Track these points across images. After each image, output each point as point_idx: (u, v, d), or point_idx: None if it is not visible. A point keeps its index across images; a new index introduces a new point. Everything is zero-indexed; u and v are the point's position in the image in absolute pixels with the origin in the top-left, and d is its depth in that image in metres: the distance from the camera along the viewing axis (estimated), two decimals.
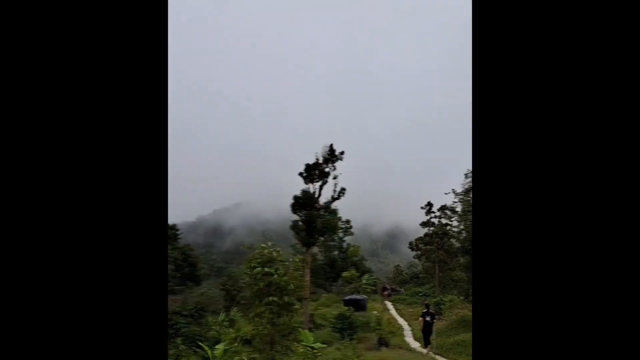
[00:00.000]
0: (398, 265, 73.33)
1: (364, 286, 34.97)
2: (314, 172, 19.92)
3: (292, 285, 9.22)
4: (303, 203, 19.64)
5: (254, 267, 9.33)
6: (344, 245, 46.83)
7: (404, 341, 15.55)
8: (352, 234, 51.02)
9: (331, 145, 19.98)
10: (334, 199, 20.21)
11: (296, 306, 9.72)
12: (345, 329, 15.44)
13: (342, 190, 20.27)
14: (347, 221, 49.57)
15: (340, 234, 48.44)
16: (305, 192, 19.83)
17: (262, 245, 9.80)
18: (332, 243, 47.58)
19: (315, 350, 13.50)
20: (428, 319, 12.18)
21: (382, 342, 12.41)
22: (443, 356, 12.73)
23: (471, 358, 12.12)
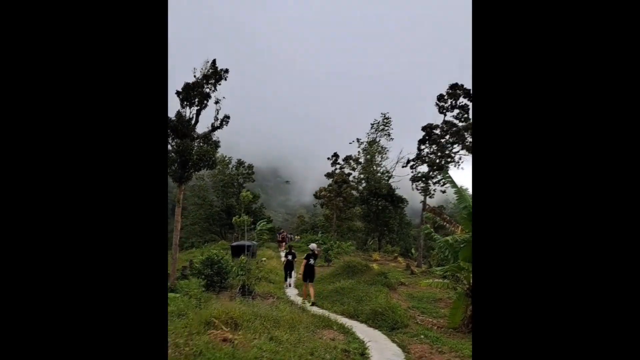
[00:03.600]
0: (301, 215, 73.59)
1: (258, 233, 33.25)
2: (193, 92, 16.38)
3: None
4: (176, 129, 16.16)
5: None
6: (244, 193, 44.09)
7: (280, 290, 13.72)
8: (252, 180, 48.42)
9: (214, 61, 16.48)
10: (214, 128, 17.03)
11: None
12: (213, 275, 13.14)
13: (226, 117, 17.12)
14: (250, 167, 46.74)
15: (241, 180, 45.68)
16: (179, 116, 16.31)
17: None
18: (231, 190, 44.73)
19: None
20: (290, 257, 14.01)
21: (246, 291, 10.26)
22: (317, 305, 11.06)
23: (343, 306, 10.81)
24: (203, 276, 13.02)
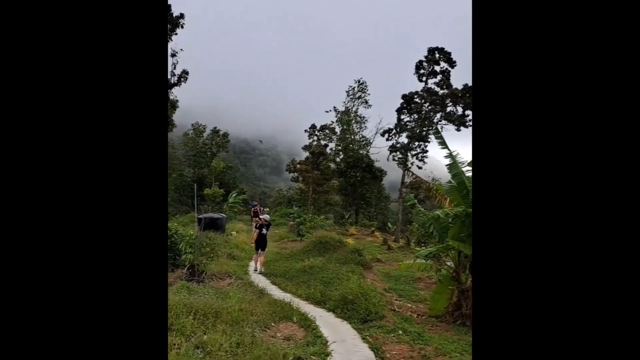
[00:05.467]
0: (280, 189, 72.05)
1: (230, 205, 31.55)
2: None
3: None
4: None
5: None
6: (215, 162, 41.87)
7: (243, 268, 12.19)
8: (227, 150, 46.19)
9: (168, 6, 14.21)
10: (171, 85, 14.95)
11: None
12: None
13: (184, 73, 15.05)
14: (225, 135, 44.32)
15: (214, 149, 43.42)
16: None
17: None
18: (202, 159, 42.49)
19: None
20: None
21: (193, 271, 8.66)
22: (280, 286, 9.59)
23: (310, 289, 9.30)
24: None
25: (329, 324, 6.57)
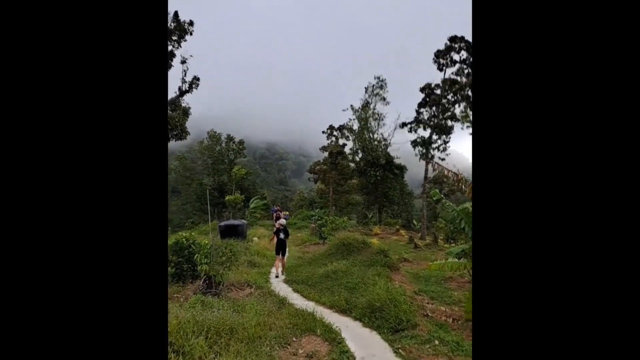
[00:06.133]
0: (301, 191, 71.82)
1: (251, 211, 31.31)
2: None
3: None
4: None
5: None
6: (235, 169, 41.86)
7: (264, 276, 11.72)
8: (244, 156, 46.12)
9: (175, 13, 13.90)
10: (183, 92, 14.67)
11: None
12: (182, 263, 11.12)
13: (195, 80, 14.74)
14: (241, 142, 44.28)
15: (231, 156, 43.41)
16: None
17: None
18: (220, 166, 42.52)
19: None
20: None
21: (210, 283, 8.21)
22: (302, 294, 9.06)
23: (334, 296, 8.69)
24: (172, 264, 11.00)
25: (356, 335, 5.99)
